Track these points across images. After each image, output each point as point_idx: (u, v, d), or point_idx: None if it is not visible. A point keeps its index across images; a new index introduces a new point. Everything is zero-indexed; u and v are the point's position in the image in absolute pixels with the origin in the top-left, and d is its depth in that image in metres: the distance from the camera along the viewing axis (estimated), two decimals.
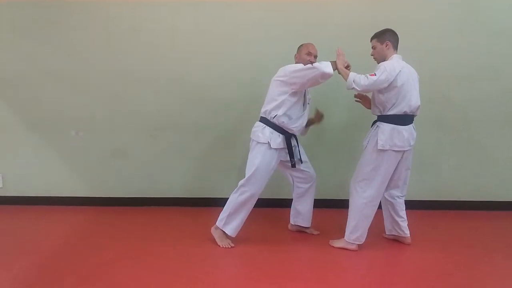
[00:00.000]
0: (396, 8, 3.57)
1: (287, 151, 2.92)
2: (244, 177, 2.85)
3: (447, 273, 2.53)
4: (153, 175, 3.85)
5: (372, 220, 2.82)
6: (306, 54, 2.91)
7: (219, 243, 2.87)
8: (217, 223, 2.90)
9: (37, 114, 3.78)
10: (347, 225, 2.84)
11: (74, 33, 3.66)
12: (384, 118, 2.75)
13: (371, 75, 2.62)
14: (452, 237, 3.15)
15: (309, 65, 2.70)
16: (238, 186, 2.86)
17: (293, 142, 2.95)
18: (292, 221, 3.19)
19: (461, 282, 2.42)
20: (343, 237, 2.86)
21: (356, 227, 2.79)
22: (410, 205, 3.12)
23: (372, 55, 2.86)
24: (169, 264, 2.58)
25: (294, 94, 2.80)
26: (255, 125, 2.94)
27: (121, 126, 3.78)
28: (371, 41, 2.84)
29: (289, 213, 3.19)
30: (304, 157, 3.04)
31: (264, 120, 2.89)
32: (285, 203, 3.31)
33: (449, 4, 3.59)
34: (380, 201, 2.91)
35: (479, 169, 3.80)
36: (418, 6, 3.59)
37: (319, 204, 3.27)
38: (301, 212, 3.12)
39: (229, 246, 2.84)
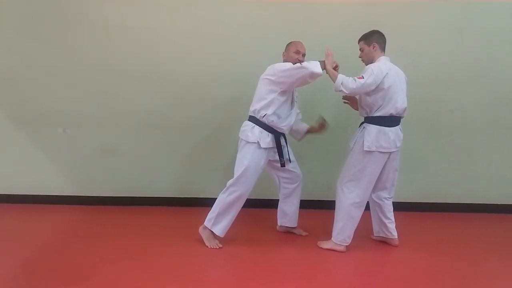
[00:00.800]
0: (391, 10, 3.59)
1: (275, 151, 2.90)
2: (233, 177, 2.83)
3: (435, 273, 2.54)
4: (142, 174, 3.82)
5: (360, 222, 2.82)
6: (295, 53, 2.89)
7: (207, 243, 2.84)
8: (205, 223, 2.87)
9: (25, 111, 3.73)
10: (334, 226, 2.84)
11: (68, 30, 3.62)
12: (371, 120, 2.76)
13: (358, 78, 2.62)
14: (440, 238, 3.17)
15: (298, 65, 2.68)
16: (227, 186, 2.84)
17: (282, 141, 2.93)
18: (279, 223, 3.17)
19: (449, 282, 2.43)
20: (331, 238, 2.85)
21: (343, 228, 2.79)
22: (399, 206, 3.12)
23: (360, 57, 2.87)
24: (158, 264, 2.55)
25: (283, 93, 2.78)
26: (244, 124, 2.92)
27: (111, 124, 3.75)
28: (358, 43, 2.84)
29: (276, 214, 3.17)
30: (291, 157, 3.03)
31: (253, 119, 2.87)
32: (272, 204, 3.30)
33: (444, 7, 3.61)
34: (368, 203, 2.92)
35: (468, 172, 3.82)
36: (414, 9, 3.61)
37: (307, 205, 3.27)
38: (287, 213, 3.11)
39: (217, 247, 2.82)
